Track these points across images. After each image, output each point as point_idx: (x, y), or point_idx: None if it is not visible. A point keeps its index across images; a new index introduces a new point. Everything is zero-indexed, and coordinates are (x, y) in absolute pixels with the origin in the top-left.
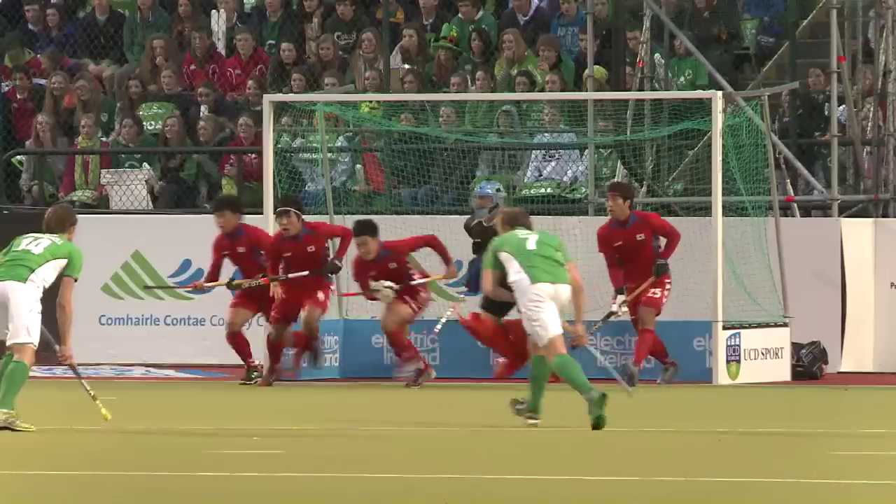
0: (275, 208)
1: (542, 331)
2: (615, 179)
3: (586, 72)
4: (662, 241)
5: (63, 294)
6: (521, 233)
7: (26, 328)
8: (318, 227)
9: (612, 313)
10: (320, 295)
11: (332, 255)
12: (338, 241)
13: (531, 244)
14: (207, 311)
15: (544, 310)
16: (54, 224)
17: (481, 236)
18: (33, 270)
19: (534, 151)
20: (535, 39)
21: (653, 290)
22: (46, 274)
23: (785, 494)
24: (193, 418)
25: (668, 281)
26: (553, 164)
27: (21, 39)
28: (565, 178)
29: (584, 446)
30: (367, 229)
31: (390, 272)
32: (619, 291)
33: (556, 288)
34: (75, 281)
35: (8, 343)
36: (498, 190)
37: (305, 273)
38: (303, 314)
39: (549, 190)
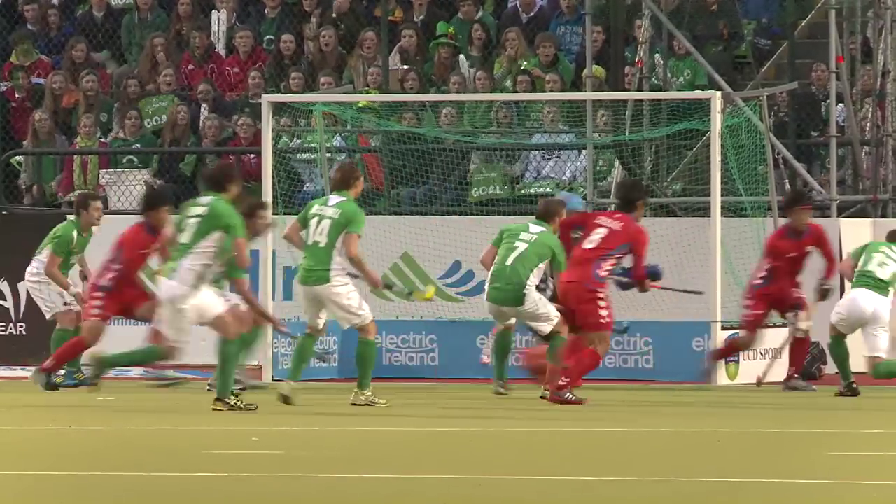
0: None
1: None
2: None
3: (585, 71)
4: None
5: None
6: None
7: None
8: None
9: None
10: None
11: None
12: None
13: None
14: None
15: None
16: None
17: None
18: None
19: (532, 151)
20: (534, 38)
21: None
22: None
23: (783, 495)
24: (191, 419)
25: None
26: (552, 162)
27: (31, 38)
28: (564, 178)
29: (583, 447)
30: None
31: None
32: (797, 307)
33: None
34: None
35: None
36: (585, 197)
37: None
38: None
39: (548, 189)
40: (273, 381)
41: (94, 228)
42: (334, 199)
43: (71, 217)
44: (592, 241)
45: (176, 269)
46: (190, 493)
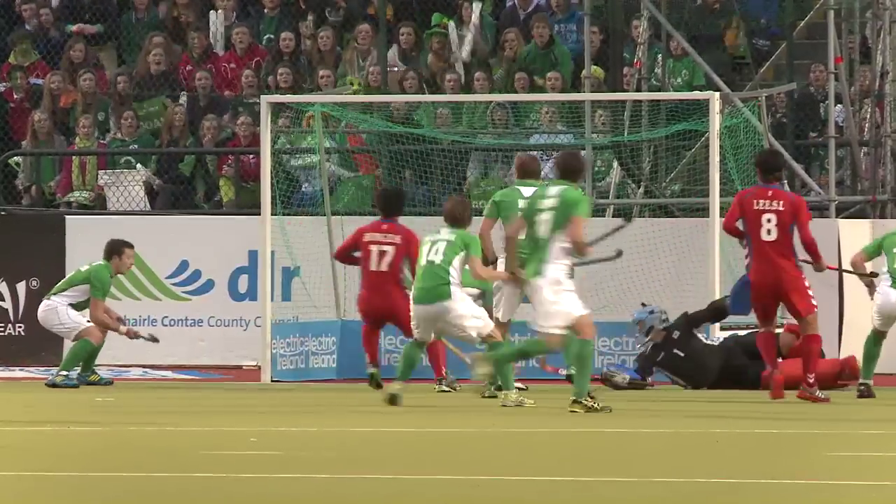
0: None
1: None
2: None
3: (584, 72)
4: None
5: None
6: None
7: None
8: None
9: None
10: None
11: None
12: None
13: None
14: (205, 313)
15: None
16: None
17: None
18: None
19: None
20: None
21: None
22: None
23: (781, 495)
24: (190, 419)
25: None
26: (550, 163)
27: (30, 38)
28: None
29: (581, 447)
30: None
31: None
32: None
33: None
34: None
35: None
36: (651, 312)
37: None
38: None
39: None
40: (272, 381)
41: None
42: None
43: (100, 261)
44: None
45: (541, 268)
46: (188, 493)
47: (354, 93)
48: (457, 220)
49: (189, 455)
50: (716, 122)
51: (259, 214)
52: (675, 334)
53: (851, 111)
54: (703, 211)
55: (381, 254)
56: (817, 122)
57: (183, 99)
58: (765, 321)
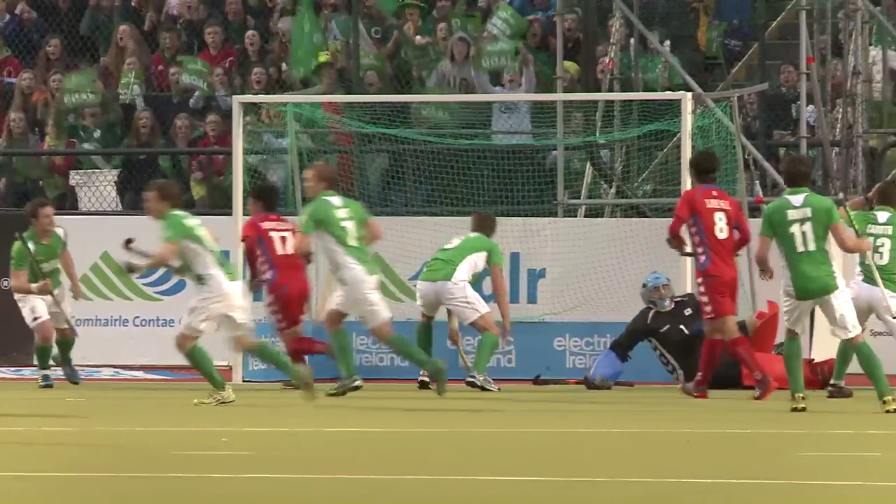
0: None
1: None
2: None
3: (557, 70)
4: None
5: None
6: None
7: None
8: None
9: None
10: None
11: None
12: None
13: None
14: (177, 313)
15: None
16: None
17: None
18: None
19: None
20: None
21: None
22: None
23: (753, 495)
24: (162, 419)
25: None
26: (510, 119)
27: (1, 35)
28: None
29: (553, 447)
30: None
31: None
32: None
33: None
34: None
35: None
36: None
37: None
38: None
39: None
40: (243, 381)
41: (59, 231)
42: None
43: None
44: None
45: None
46: (160, 494)
47: (324, 64)
48: (482, 229)
49: (160, 455)
50: (688, 122)
51: (231, 214)
52: (687, 311)
53: (823, 111)
54: (672, 211)
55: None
56: (789, 122)
57: (147, 115)
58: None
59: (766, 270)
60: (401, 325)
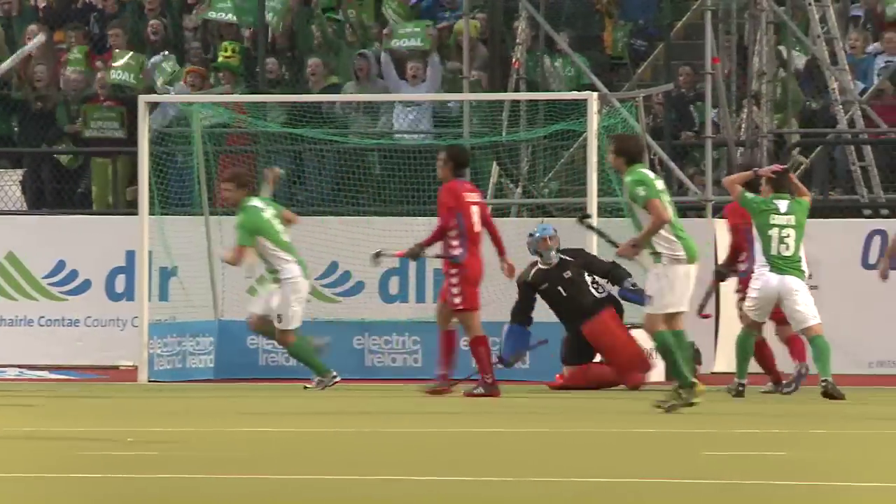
0: (150, 208)
1: None
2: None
3: (464, 71)
4: None
5: None
6: None
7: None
8: None
9: None
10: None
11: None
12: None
13: None
14: (82, 313)
15: None
16: None
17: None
18: None
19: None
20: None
21: None
22: None
23: (656, 494)
24: (67, 419)
25: None
26: (412, 115)
27: None
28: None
29: (457, 447)
30: None
31: None
32: None
33: None
34: None
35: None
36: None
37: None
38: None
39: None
40: (149, 381)
41: None
42: None
43: None
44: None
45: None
46: (65, 494)
47: (232, 54)
48: None
49: (66, 455)
50: (594, 122)
51: (136, 214)
52: (567, 274)
53: (728, 111)
54: (581, 210)
55: None
56: (692, 122)
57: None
58: None
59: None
60: (309, 325)
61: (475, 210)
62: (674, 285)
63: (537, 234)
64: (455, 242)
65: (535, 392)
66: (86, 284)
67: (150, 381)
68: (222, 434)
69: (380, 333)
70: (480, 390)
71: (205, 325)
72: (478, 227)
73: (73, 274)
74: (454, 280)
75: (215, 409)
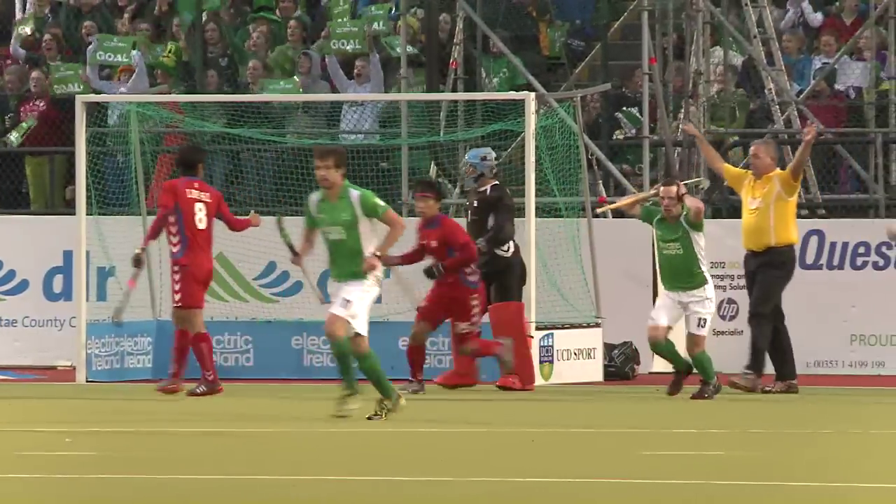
0: (87, 209)
1: None
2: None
3: (400, 72)
4: None
5: None
6: None
7: None
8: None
9: None
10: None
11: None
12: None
13: None
14: (20, 313)
15: None
16: None
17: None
18: None
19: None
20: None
21: None
22: None
23: (594, 494)
24: (5, 420)
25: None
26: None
27: None
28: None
29: (394, 447)
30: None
31: None
32: None
33: None
34: None
35: None
36: (484, 158)
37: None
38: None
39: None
40: (87, 381)
41: None
42: None
43: None
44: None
45: None
46: (2, 494)
47: (168, 52)
48: None
49: (4, 456)
50: (531, 122)
51: (74, 214)
52: (475, 203)
53: (665, 111)
54: (518, 211)
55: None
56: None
57: None
58: None
59: None
60: (247, 325)
61: (200, 207)
62: None
63: (467, 159)
64: (175, 240)
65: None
66: (23, 284)
67: (88, 382)
68: (160, 434)
69: (318, 333)
70: (203, 388)
71: (143, 326)
72: (201, 224)
73: (11, 274)
74: (176, 277)
75: (153, 410)
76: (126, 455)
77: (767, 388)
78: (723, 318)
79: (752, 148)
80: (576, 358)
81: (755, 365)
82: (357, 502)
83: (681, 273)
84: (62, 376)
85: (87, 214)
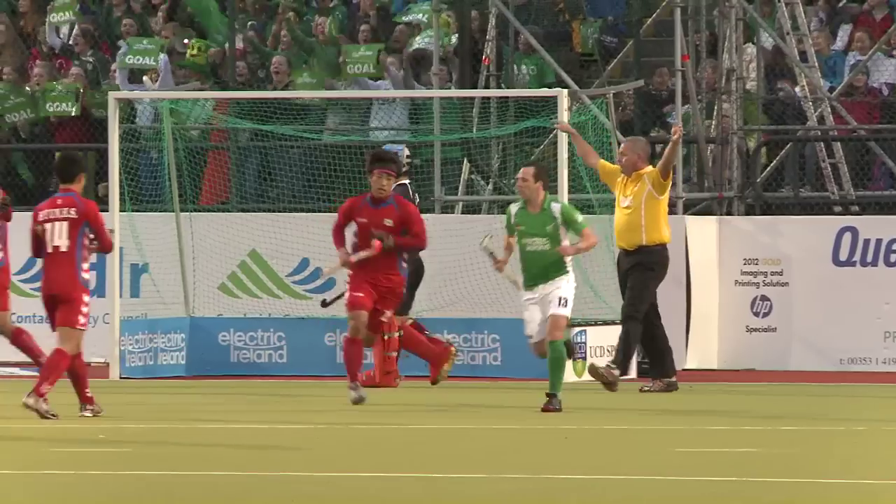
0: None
1: None
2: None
3: (433, 69)
4: None
5: None
6: None
7: None
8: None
9: None
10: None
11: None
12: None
13: None
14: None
15: None
16: None
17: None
18: None
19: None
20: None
21: None
22: None
23: (631, 491)
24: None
25: None
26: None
27: None
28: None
29: (428, 443)
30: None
31: None
32: None
33: None
34: None
35: None
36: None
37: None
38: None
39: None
40: (120, 378)
41: None
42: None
43: None
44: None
45: None
46: (37, 492)
47: (197, 49)
48: None
49: (39, 452)
50: (564, 118)
51: (107, 210)
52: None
53: (697, 108)
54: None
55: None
56: (663, 119)
57: None
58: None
59: None
60: (280, 322)
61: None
62: None
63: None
64: None
65: (512, 388)
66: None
67: (121, 378)
68: (194, 431)
69: None
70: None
71: (176, 322)
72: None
73: None
74: None
75: (186, 406)
76: (159, 451)
77: (646, 388)
78: (756, 314)
79: (621, 146)
80: (609, 355)
81: (621, 363)
82: (390, 499)
83: (548, 267)
84: (96, 373)
85: (121, 211)
